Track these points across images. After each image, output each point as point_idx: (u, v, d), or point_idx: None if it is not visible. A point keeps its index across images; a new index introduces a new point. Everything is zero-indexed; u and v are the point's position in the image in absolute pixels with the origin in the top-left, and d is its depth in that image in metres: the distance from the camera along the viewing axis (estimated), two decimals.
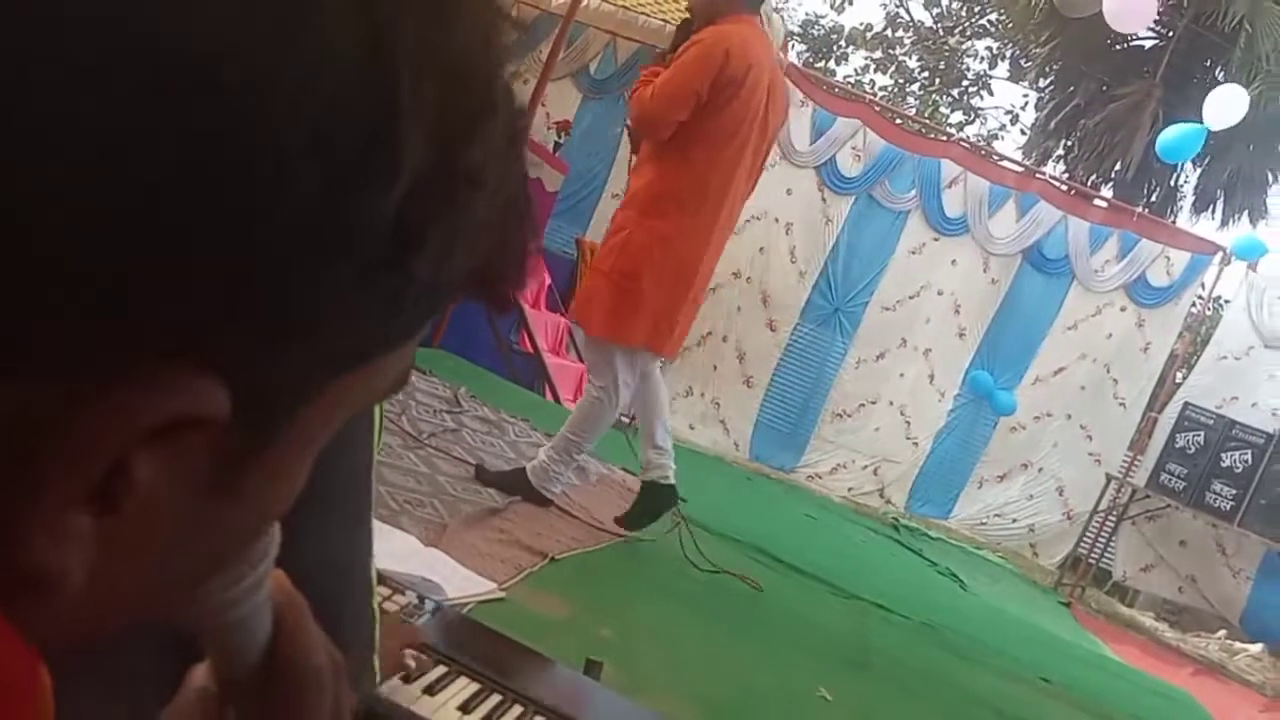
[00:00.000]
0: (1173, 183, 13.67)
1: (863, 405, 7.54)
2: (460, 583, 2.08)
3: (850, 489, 7.45)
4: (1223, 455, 6.79)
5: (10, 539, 0.25)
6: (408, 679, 1.23)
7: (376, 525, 0.98)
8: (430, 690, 1.23)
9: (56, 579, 0.26)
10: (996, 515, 7.56)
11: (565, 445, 3.08)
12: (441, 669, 1.28)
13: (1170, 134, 7.40)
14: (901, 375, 7.53)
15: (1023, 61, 16.03)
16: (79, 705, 0.29)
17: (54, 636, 0.28)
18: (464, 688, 1.28)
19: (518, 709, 1.29)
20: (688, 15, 3.17)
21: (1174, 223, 10.64)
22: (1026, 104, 17.98)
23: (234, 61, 0.23)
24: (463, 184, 0.29)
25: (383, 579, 1.00)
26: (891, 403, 7.55)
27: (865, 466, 7.54)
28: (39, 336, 0.23)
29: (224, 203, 0.24)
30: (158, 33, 0.22)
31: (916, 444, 7.56)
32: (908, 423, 7.56)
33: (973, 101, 18.84)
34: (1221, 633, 6.69)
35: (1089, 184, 12.10)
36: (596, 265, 3.18)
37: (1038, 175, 8.27)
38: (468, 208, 0.29)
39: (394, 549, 2.06)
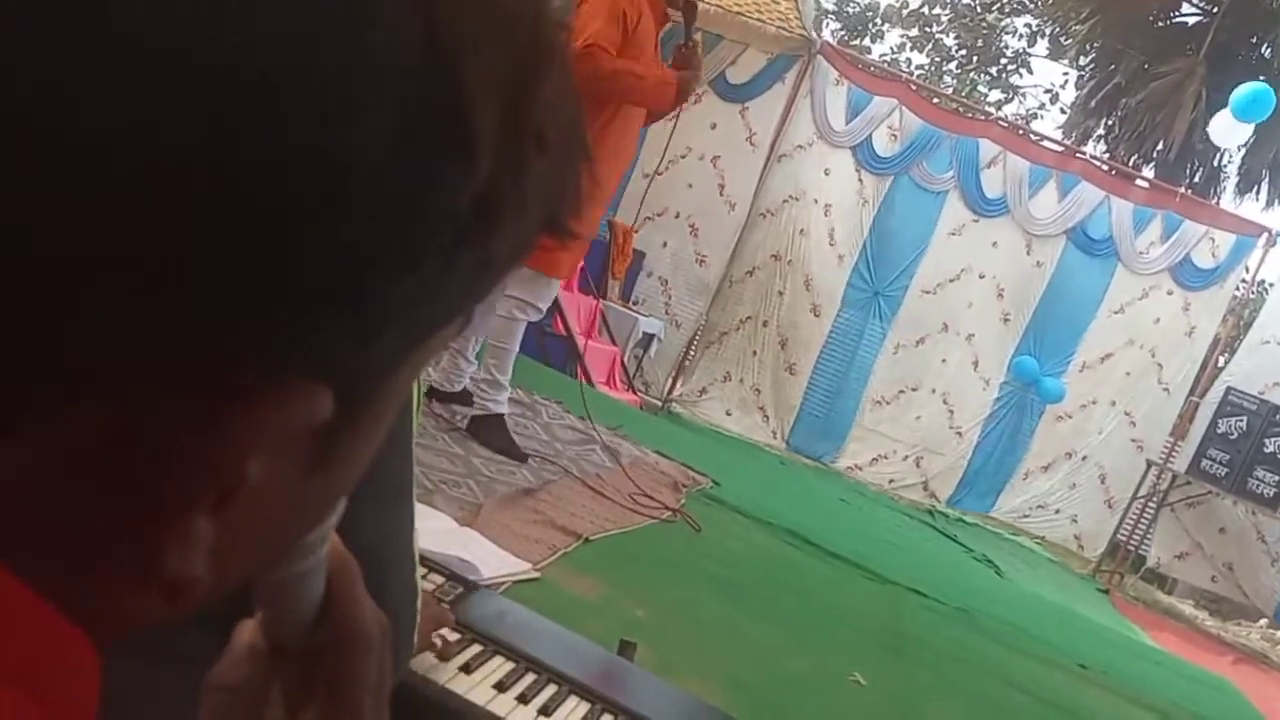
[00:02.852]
0: (1216, 163, 13.40)
1: (902, 392, 7.40)
2: (495, 563, 2.09)
3: (891, 481, 7.32)
4: (1266, 441, 6.67)
5: (143, 556, 0.26)
6: (442, 659, 1.23)
7: None
8: (466, 669, 1.24)
9: (189, 585, 0.27)
10: (1039, 507, 7.41)
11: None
12: (477, 648, 1.29)
13: (1240, 94, 7.12)
14: (943, 361, 7.38)
15: (1063, 39, 15.76)
16: (114, 672, 0.29)
17: (156, 624, 0.29)
18: (499, 666, 1.29)
19: (552, 688, 1.29)
20: None
21: (1217, 204, 10.42)
22: (1066, 82, 17.73)
23: (298, 79, 0.23)
24: (530, 147, 0.28)
25: (420, 558, 1.01)
26: (934, 390, 7.40)
27: (907, 457, 7.38)
28: (156, 363, 0.24)
29: (311, 220, 0.24)
30: (220, 64, 0.22)
31: (961, 434, 7.39)
32: (951, 411, 7.40)
33: (1011, 80, 18.56)
34: (1263, 621, 6.58)
35: (1130, 164, 11.89)
36: None
37: (1078, 155, 8.11)
38: (536, 169, 0.29)
39: (429, 528, 2.07)
